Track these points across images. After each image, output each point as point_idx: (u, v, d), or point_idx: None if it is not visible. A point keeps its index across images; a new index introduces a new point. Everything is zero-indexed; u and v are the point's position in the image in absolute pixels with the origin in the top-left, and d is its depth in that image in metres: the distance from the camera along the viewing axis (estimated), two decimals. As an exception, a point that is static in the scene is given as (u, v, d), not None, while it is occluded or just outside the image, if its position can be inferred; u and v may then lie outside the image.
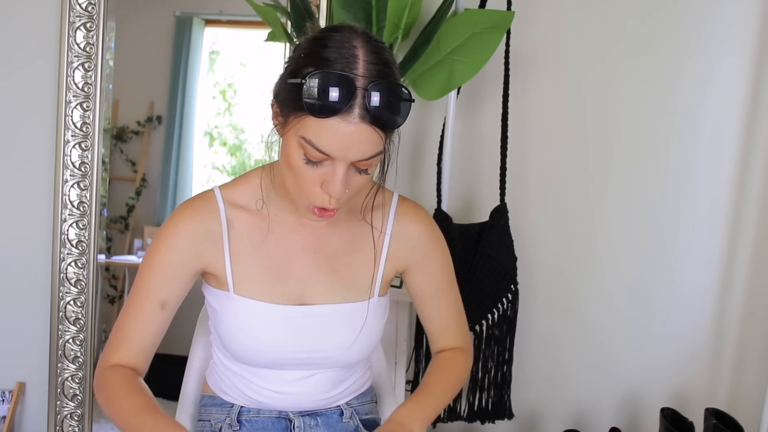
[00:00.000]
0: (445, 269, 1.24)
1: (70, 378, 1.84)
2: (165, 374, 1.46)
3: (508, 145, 1.82)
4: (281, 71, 1.02)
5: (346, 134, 0.95)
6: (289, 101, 0.98)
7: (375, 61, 0.96)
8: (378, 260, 1.18)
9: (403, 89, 0.97)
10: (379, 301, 1.19)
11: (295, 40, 1.69)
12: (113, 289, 2.34)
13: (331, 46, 0.96)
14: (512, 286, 1.78)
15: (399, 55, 1.72)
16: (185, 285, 1.14)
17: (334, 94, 0.93)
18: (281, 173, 1.09)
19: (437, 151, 1.83)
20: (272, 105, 1.03)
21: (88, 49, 1.78)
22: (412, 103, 0.99)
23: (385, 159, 1.02)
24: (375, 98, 0.94)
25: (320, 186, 1.00)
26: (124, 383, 1.07)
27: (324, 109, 0.93)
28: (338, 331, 1.15)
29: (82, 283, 1.82)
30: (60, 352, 1.83)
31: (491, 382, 1.80)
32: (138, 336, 1.11)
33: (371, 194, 1.13)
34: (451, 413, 1.82)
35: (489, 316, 1.77)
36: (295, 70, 0.98)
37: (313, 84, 0.93)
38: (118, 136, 2.31)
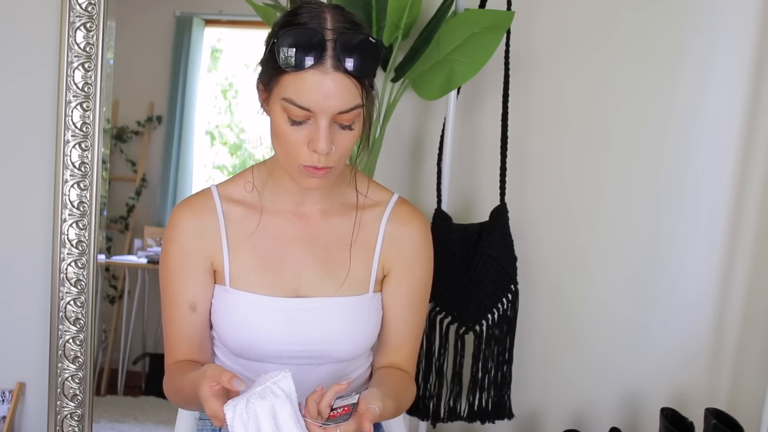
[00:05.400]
0: (424, 283, 1.23)
1: (70, 378, 1.84)
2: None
3: (508, 145, 1.82)
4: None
5: (323, 85, 0.98)
6: (268, 69, 1.03)
7: (342, 19, 1.02)
8: (372, 256, 1.18)
9: (371, 38, 1.01)
10: (374, 297, 1.19)
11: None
12: (113, 289, 2.34)
13: (301, 13, 1.02)
14: (512, 286, 1.78)
15: (399, 55, 1.72)
16: (204, 282, 1.15)
17: (305, 45, 0.98)
18: (274, 162, 1.13)
19: (437, 151, 1.83)
20: (257, 87, 1.08)
21: (88, 49, 1.78)
22: (382, 51, 1.03)
23: (367, 122, 1.07)
24: (345, 47, 0.99)
25: (307, 146, 1.03)
26: (174, 372, 1.14)
27: (298, 61, 0.98)
28: (334, 324, 1.16)
29: (82, 283, 1.82)
30: (60, 352, 1.83)
31: (491, 382, 1.80)
32: (184, 339, 1.16)
33: (350, 176, 1.18)
34: (451, 413, 1.81)
35: (489, 316, 1.77)
36: (270, 38, 1.03)
37: (285, 40, 0.98)
38: (118, 136, 2.31)
